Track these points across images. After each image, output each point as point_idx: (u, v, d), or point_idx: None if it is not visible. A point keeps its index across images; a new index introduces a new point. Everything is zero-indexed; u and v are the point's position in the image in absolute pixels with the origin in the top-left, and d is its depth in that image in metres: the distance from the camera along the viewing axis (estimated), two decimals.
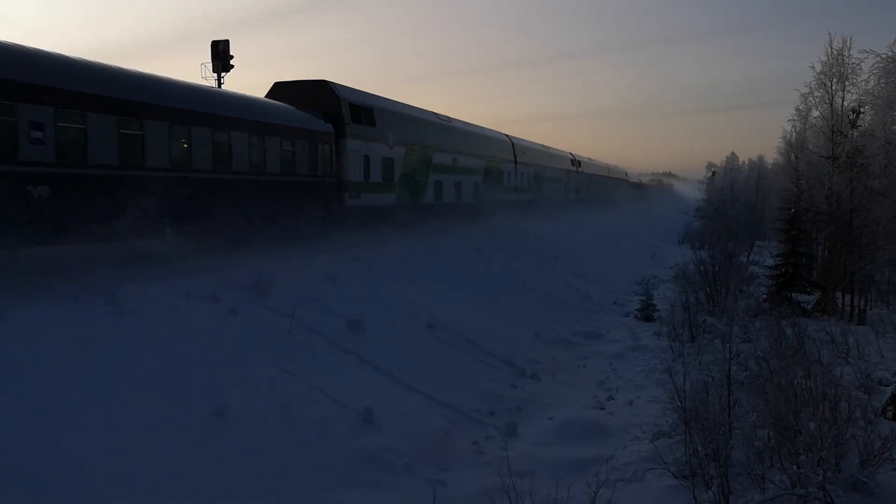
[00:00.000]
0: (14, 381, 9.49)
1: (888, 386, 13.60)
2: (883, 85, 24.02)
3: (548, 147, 58.10)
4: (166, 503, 8.60)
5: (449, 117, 36.24)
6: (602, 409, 15.39)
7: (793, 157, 35.10)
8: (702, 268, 25.77)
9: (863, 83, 27.29)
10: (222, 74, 31.21)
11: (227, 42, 31.98)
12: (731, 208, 57.55)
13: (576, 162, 66.43)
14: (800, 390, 10.33)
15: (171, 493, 8.78)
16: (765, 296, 26.19)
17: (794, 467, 9.23)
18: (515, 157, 45.41)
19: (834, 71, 28.35)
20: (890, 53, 23.31)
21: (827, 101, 28.87)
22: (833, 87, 28.51)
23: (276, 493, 9.51)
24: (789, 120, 46.07)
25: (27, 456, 8.36)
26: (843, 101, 28.44)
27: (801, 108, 33.76)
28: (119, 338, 11.50)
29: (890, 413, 12.08)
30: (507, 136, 45.89)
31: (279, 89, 25.34)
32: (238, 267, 16.58)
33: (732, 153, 72.30)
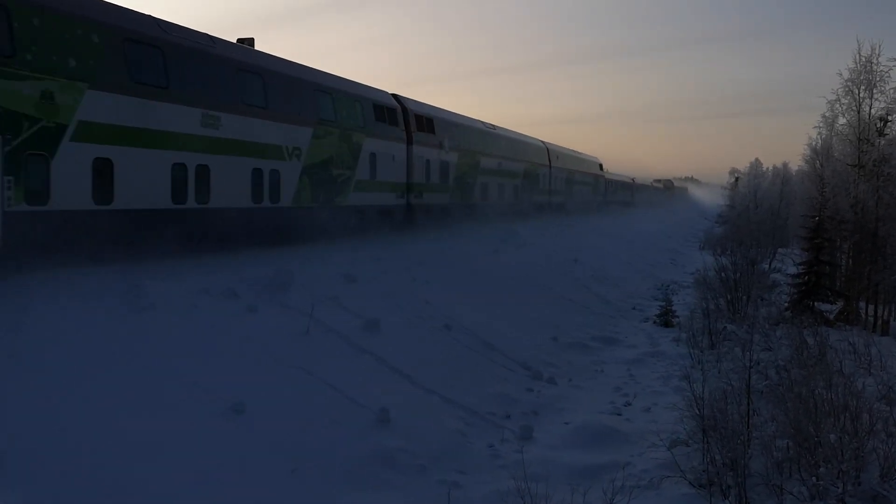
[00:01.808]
0: (34, 376, 9.59)
1: None
2: None
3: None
4: (181, 498, 8.65)
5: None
6: (619, 414, 15.29)
7: (818, 165, 34.76)
8: (723, 274, 25.56)
9: (891, 91, 27.03)
10: None
11: (252, 40, 32.14)
12: (753, 214, 57.02)
13: (415, 121, 29.33)
14: (820, 401, 10.22)
15: (186, 488, 8.83)
16: (786, 304, 25.93)
17: (814, 479, 9.12)
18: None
19: (862, 78, 28.08)
20: None
21: (854, 108, 28.58)
22: (860, 95, 28.23)
23: (289, 492, 9.53)
24: (815, 127, 45.83)
25: (47, 449, 8.44)
26: (870, 108, 28.17)
27: (827, 115, 33.43)
28: (138, 333, 11.58)
29: None
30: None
31: None
32: (256, 264, 16.65)
33: (756, 159, 71.56)
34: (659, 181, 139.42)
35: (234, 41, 21.11)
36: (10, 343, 10.09)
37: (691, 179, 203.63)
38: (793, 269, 30.88)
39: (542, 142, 51.43)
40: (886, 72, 27.26)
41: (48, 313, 11.11)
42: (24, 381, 9.39)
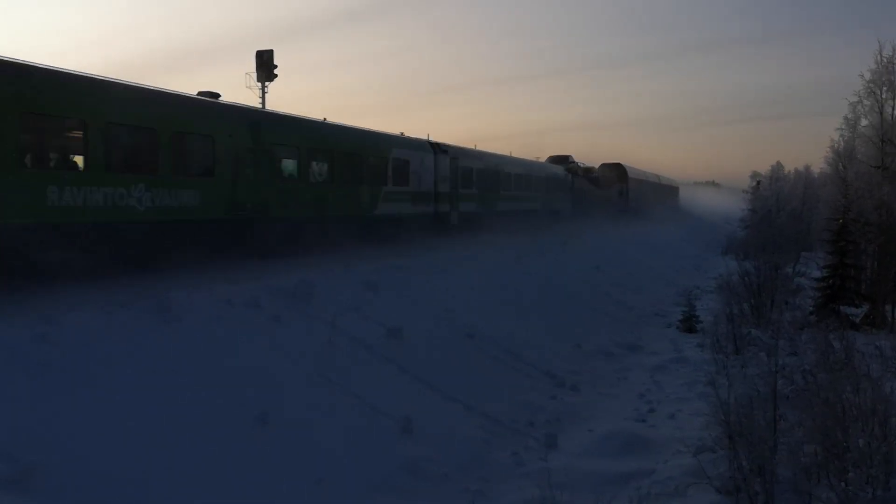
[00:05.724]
0: (62, 385, 9.70)
1: None
2: None
3: None
4: None
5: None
6: (643, 421, 15.19)
7: (841, 167, 34.45)
8: (746, 279, 25.34)
9: None
10: (266, 84, 31.68)
11: (271, 52, 32.44)
12: (776, 218, 56.44)
13: None
14: (848, 406, 10.09)
15: (212, 498, 8.88)
16: (811, 308, 25.66)
17: (843, 485, 9.01)
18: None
19: (884, 79, 27.89)
20: None
21: (877, 109, 28.38)
22: (883, 96, 28.03)
23: (314, 501, 9.56)
24: (837, 129, 45.13)
25: (73, 456, 8.53)
26: (893, 110, 27.96)
27: (849, 117, 33.11)
28: (163, 343, 11.68)
29: None
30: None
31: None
32: (279, 274, 16.76)
33: (778, 162, 70.93)
34: (563, 159, 56.45)
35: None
36: (43, 354, 10.22)
37: (712, 183, 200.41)
38: (817, 273, 30.58)
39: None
40: None
41: (76, 321, 11.23)
42: (53, 392, 9.51)
